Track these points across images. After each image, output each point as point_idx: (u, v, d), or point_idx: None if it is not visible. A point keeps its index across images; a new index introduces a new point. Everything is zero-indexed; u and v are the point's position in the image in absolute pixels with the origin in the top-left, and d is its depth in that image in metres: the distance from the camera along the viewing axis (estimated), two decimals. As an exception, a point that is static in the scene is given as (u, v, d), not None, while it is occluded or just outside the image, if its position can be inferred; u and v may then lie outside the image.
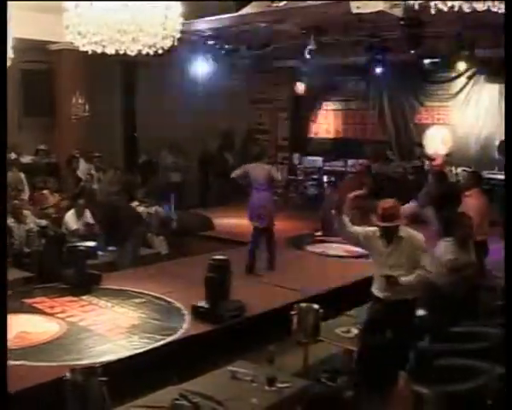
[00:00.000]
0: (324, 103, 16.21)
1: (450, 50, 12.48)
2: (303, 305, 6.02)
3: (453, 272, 7.02)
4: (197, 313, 7.17)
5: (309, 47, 11.39)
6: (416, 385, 4.41)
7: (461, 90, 14.20)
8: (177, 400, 4.60)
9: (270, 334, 6.97)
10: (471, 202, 8.32)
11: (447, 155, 14.01)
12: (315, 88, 15.69)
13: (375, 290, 5.75)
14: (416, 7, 5.83)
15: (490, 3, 5.39)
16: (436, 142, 14.24)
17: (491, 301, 7.85)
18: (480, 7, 5.32)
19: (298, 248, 11.20)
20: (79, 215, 10.28)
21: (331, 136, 16.02)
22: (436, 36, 11.83)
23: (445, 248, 7.47)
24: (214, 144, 16.25)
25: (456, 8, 5.39)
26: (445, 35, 11.74)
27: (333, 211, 5.81)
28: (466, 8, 5.35)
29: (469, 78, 13.99)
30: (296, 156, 15.89)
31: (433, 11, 5.45)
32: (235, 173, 9.83)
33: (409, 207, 10.83)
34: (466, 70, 13.56)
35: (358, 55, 13.20)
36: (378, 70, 13.45)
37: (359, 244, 6.01)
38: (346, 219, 5.80)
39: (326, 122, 16.27)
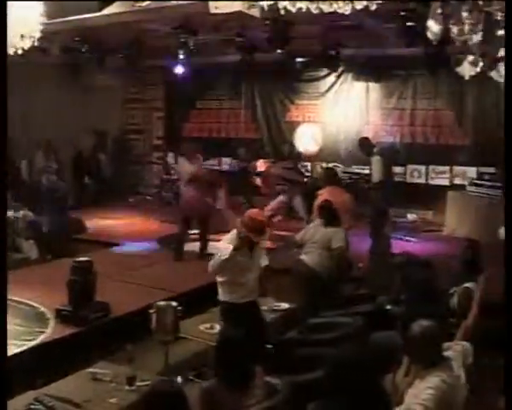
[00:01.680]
0: (198, 102, 16.22)
1: (318, 50, 12.84)
2: (161, 303, 6.04)
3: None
4: (61, 316, 7.05)
5: (182, 46, 11.42)
6: (272, 377, 4.51)
7: (329, 88, 14.56)
8: (32, 405, 4.53)
9: (135, 334, 6.95)
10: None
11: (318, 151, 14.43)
12: (188, 87, 15.73)
13: (226, 297, 5.99)
14: (266, 8, 5.99)
15: (336, 6, 5.58)
16: (307, 139, 14.56)
17: (353, 290, 8.21)
18: (325, 8, 5.50)
19: (169, 248, 11.19)
20: None
21: (205, 135, 16.06)
22: (303, 36, 12.15)
23: (313, 229, 7.78)
24: (88, 145, 16.02)
25: (303, 10, 5.55)
26: (313, 35, 12.09)
27: None
28: (313, 8, 5.52)
29: (338, 76, 14.37)
30: (171, 156, 15.87)
31: (282, 12, 5.59)
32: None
33: (277, 201, 11.15)
34: (334, 69, 13.90)
35: (230, 54, 13.34)
36: (250, 69, 13.64)
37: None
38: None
39: (200, 121, 16.30)
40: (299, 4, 5.61)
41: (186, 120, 16.42)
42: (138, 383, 5.09)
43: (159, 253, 10.77)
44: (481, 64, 7.39)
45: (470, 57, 7.41)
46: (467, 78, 7.93)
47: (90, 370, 5.37)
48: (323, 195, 8.65)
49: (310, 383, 4.65)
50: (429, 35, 6.48)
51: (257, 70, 13.66)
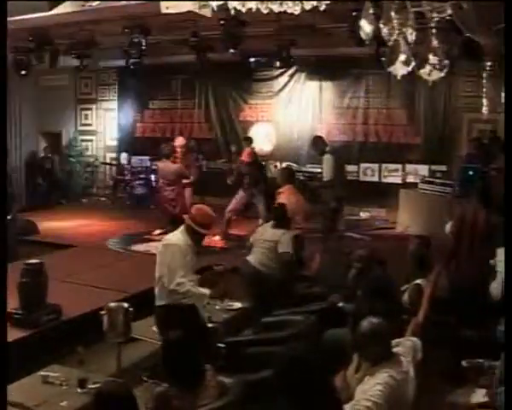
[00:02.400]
0: (151, 102, 16.15)
1: (271, 49, 12.88)
2: (112, 304, 6.02)
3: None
4: (12, 319, 6.85)
5: (134, 46, 11.33)
6: (223, 376, 4.53)
7: (283, 87, 14.67)
8: None
9: (87, 336, 6.91)
10: (283, 198, 8.64)
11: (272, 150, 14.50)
12: (141, 87, 15.66)
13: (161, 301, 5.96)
14: (215, 8, 6.01)
15: (285, 6, 5.61)
16: (261, 138, 14.59)
17: (305, 289, 8.25)
18: (275, 8, 5.54)
19: (122, 249, 11.13)
20: None
21: (158, 135, 15.99)
22: (257, 35, 12.18)
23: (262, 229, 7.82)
24: (41, 146, 15.87)
25: (253, 10, 5.58)
26: (266, 35, 12.12)
27: None
28: (263, 8, 5.55)
29: (291, 76, 14.47)
30: (124, 156, 15.80)
31: (232, 12, 5.61)
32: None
33: (238, 200, 11.18)
34: (287, 68, 13.97)
35: (183, 54, 13.30)
36: (203, 69, 13.64)
37: None
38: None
39: (153, 121, 16.23)
40: (248, 4, 5.62)
41: (139, 120, 16.33)
42: (90, 386, 5.04)
43: (111, 254, 10.67)
44: (413, 63, 7.52)
45: (402, 56, 7.50)
46: (399, 77, 8.02)
47: (42, 373, 5.30)
48: (283, 194, 8.68)
49: (260, 381, 4.67)
50: (362, 35, 6.59)
51: (210, 70, 13.65)
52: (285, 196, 8.65)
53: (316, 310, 6.42)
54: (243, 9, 5.50)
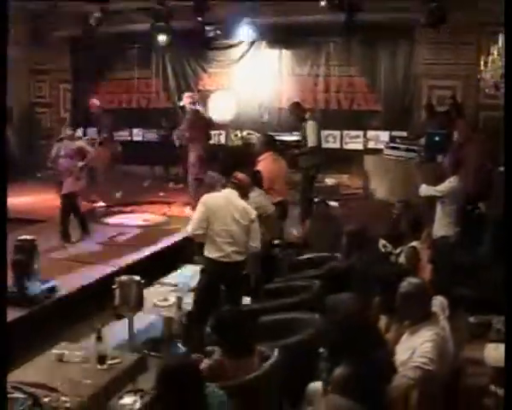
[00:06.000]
0: (107, 73, 15.81)
1: (230, 18, 12.82)
2: (124, 278, 5.97)
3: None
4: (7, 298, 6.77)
5: (90, 15, 11.12)
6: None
7: (242, 56, 14.55)
8: (10, 393, 4.30)
9: (84, 311, 6.90)
10: (264, 165, 8.64)
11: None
12: (97, 57, 15.34)
13: (214, 254, 5.98)
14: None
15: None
16: (220, 107, 14.49)
17: (290, 256, 8.37)
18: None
19: (94, 222, 10.98)
20: None
21: (115, 106, 15.70)
22: (217, 4, 12.12)
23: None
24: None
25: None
26: (227, 2, 12.06)
27: None
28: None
29: (250, 44, 14.37)
30: (80, 129, 15.46)
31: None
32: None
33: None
34: (247, 37, 13.89)
35: (139, 22, 13.09)
36: (161, 38, 13.49)
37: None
38: None
39: (109, 92, 15.91)
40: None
41: (95, 91, 15.98)
42: (109, 362, 5.02)
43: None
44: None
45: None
46: None
47: (54, 352, 5.19)
48: (264, 161, 8.67)
49: (298, 345, 4.76)
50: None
51: (169, 38, 13.48)
52: (266, 162, 8.65)
53: (318, 275, 6.52)
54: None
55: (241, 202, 6.21)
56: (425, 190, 7.85)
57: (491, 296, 5.92)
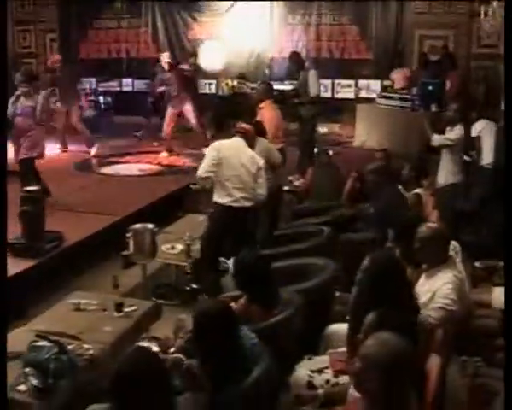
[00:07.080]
0: (95, 22, 15.60)
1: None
2: (138, 226, 6.00)
3: None
4: (14, 250, 6.58)
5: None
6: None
7: (233, 4, 14.41)
8: (35, 341, 4.28)
9: (90, 261, 6.94)
10: (265, 114, 8.65)
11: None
12: (84, 6, 15.10)
13: (224, 200, 6.05)
14: None
15: None
16: (211, 56, 14.37)
17: (291, 203, 8.45)
18: None
19: (88, 172, 10.97)
20: None
21: (104, 56, 15.54)
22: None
23: None
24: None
25: None
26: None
27: None
28: None
29: (241, -8, 14.24)
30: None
31: None
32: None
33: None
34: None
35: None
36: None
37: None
38: None
39: (97, 41, 15.70)
40: None
41: (83, 40, 15.77)
42: (126, 309, 5.07)
43: (83, 178, 10.53)
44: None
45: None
46: None
47: (70, 301, 5.21)
48: (264, 108, 8.68)
49: (317, 288, 4.84)
50: None
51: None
52: (267, 110, 8.67)
53: (327, 221, 6.61)
54: None
55: (249, 150, 6.27)
56: (438, 139, 7.82)
57: (494, 242, 6.07)
